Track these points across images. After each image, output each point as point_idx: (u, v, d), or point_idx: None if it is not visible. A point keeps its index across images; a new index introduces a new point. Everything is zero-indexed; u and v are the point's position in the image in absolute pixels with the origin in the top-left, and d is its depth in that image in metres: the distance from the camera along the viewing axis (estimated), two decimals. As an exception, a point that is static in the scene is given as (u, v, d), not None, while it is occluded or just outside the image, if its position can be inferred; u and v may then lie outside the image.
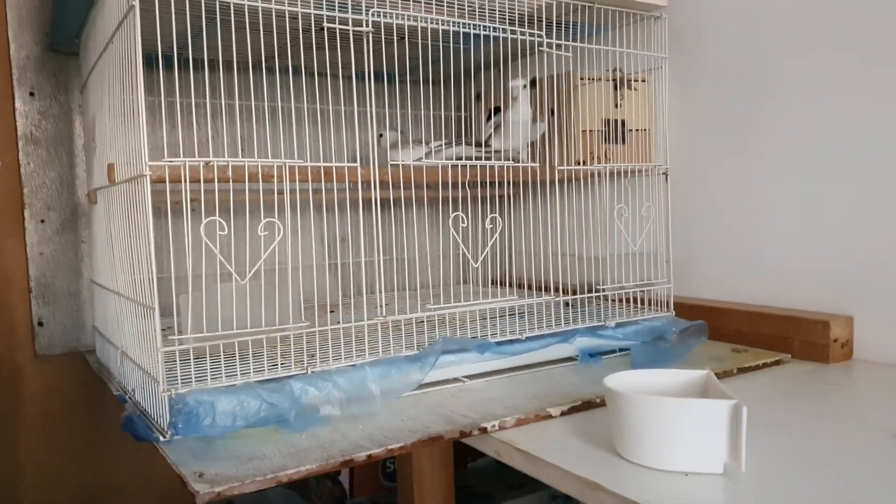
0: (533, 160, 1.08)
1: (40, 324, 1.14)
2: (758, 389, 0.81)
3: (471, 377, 0.84)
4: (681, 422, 0.56)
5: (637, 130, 1.11)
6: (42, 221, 1.14)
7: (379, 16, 0.77)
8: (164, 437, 0.65)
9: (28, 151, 1.12)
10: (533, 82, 1.13)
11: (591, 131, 1.08)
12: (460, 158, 1.00)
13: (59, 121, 1.15)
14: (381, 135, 1.15)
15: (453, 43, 0.88)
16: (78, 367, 1.16)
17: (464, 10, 0.90)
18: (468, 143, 1.07)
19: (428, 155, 1.04)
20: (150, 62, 0.77)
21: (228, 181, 0.72)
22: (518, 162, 0.92)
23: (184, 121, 0.92)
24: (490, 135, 1.06)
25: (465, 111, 1.35)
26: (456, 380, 0.83)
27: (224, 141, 1.07)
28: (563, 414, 0.72)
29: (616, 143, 1.09)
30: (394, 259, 1.02)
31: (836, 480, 0.55)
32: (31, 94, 1.12)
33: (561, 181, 0.99)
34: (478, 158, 0.96)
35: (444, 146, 1.06)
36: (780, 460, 0.59)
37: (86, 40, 0.99)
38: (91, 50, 0.93)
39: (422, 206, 1.25)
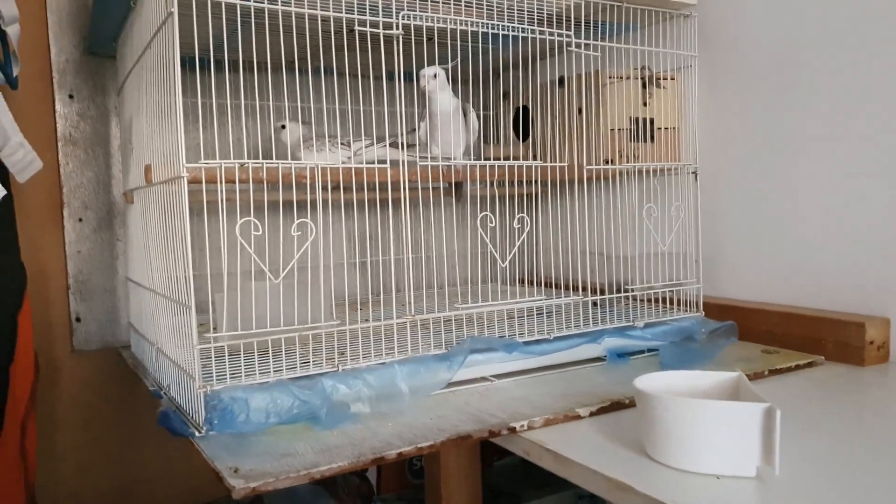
0: (561, 159, 1.08)
1: (77, 319, 1.17)
2: (790, 392, 0.80)
3: (498, 376, 0.84)
4: (713, 424, 0.56)
5: (665, 129, 1.11)
6: (80, 220, 1.17)
7: (409, 18, 0.77)
8: (200, 432, 0.66)
9: (67, 152, 1.15)
10: (561, 81, 1.12)
11: (618, 130, 1.07)
12: (383, 160, 0.97)
13: (96, 122, 1.17)
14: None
15: (481, 43, 0.88)
16: (113, 362, 1.19)
17: (492, 10, 0.90)
18: (392, 145, 1.01)
19: (350, 160, 0.99)
20: (183, 64, 0.79)
21: (262, 182, 0.73)
22: (450, 160, 0.88)
23: (216, 121, 0.94)
24: (423, 132, 1.00)
25: (493, 110, 1.35)
26: (483, 379, 0.83)
27: (256, 141, 1.09)
28: (591, 414, 0.72)
29: (644, 141, 1.09)
30: (421, 257, 1.03)
31: (871, 486, 0.55)
32: (71, 96, 1.15)
33: (589, 180, 0.98)
34: (396, 162, 0.91)
35: (364, 148, 1.00)
36: (815, 464, 0.59)
37: (123, 44, 1.01)
38: (128, 53, 0.95)
39: (449, 204, 1.26)
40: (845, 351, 0.91)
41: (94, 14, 0.95)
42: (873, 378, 0.85)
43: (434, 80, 0.93)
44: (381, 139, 1.02)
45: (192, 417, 0.69)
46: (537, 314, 0.96)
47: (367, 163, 0.96)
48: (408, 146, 1.02)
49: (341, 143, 0.99)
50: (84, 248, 1.17)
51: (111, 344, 1.19)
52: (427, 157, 0.97)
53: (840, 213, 0.96)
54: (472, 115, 1.02)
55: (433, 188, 0.88)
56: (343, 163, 0.86)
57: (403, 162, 0.78)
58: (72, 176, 1.16)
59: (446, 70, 0.94)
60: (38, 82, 1.13)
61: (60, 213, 1.15)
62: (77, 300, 1.17)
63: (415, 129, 0.96)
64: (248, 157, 0.71)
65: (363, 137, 1.01)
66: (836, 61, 0.95)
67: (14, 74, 0.93)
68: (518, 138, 1.28)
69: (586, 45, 0.91)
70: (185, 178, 0.66)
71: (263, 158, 0.71)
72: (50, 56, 1.13)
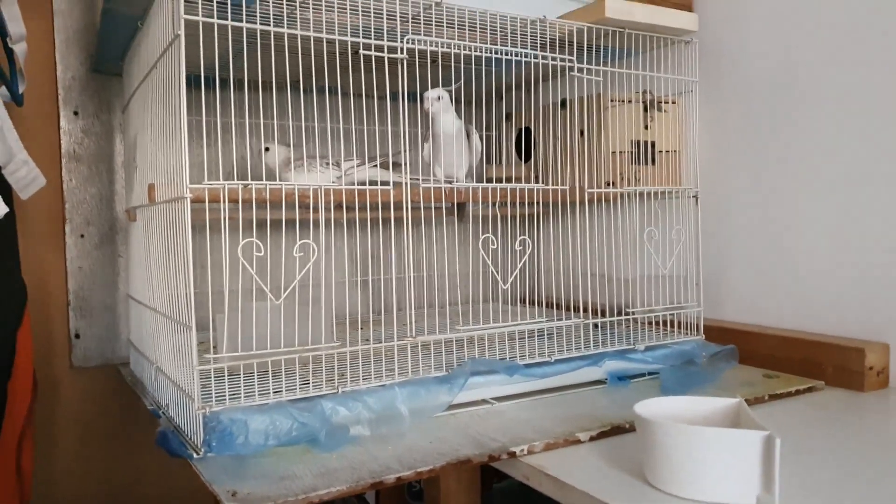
0: (562, 181, 1.08)
1: (77, 336, 1.17)
2: (791, 417, 0.80)
3: (498, 399, 0.84)
4: (712, 452, 0.56)
5: (667, 152, 1.11)
6: (82, 236, 1.17)
7: (413, 43, 0.78)
8: (198, 454, 0.66)
9: (70, 168, 1.16)
10: (563, 103, 1.13)
11: (620, 152, 1.08)
12: (374, 180, 0.97)
13: (100, 139, 1.18)
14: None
15: (485, 66, 0.89)
16: (112, 379, 1.18)
17: (496, 34, 0.91)
18: (382, 165, 1.01)
19: (340, 180, 0.99)
20: (189, 82, 0.79)
21: (266, 203, 0.74)
22: (453, 182, 0.88)
23: (220, 139, 0.95)
24: (426, 153, 1.00)
25: (495, 131, 1.36)
26: (484, 401, 0.83)
27: (255, 159, 1.10)
28: (592, 439, 0.72)
29: (645, 164, 1.09)
30: (423, 276, 1.03)
31: (872, 516, 0.54)
32: (76, 113, 1.16)
33: (590, 202, 0.99)
34: (396, 182, 0.91)
35: (354, 168, 1.00)
36: (814, 493, 0.58)
37: (129, 62, 1.02)
38: (134, 72, 0.96)
39: (451, 223, 1.26)
40: (845, 376, 0.90)
41: (102, 33, 0.96)
42: (873, 404, 0.85)
43: (438, 102, 0.94)
44: (371, 159, 1.02)
45: (191, 438, 0.69)
46: (538, 336, 0.96)
47: (357, 182, 0.98)
48: (396, 166, 1.03)
49: (330, 163, 1.00)
50: (85, 264, 1.17)
51: (110, 361, 1.19)
52: (419, 178, 0.97)
53: (841, 238, 0.96)
54: (475, 136, 1.02)
55: (435, 208, 0.88)
56: (333, 182, 0.86)
57: (407, 184, 0.79)
58: (74, 192, 1.16)
59: (450, 92, 0.95)
60: (44, 99, 1.14)
61: (62, 230, 1.16)
62: (77, 316, 1.17)
63: (401, 151, 0.96)
64: (245, 176, 0.72)
65: (355, 157, 1.01)
66: (837, 86, 0.96)
67: (20, 92, 0.94)
68: (520, 159, 1.29)
69: (588, 69, 0.92)
70: (189, 199, 0.67)
71: (255, 177, 0.71)
72: (56, 73, 1.14)
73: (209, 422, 0.67)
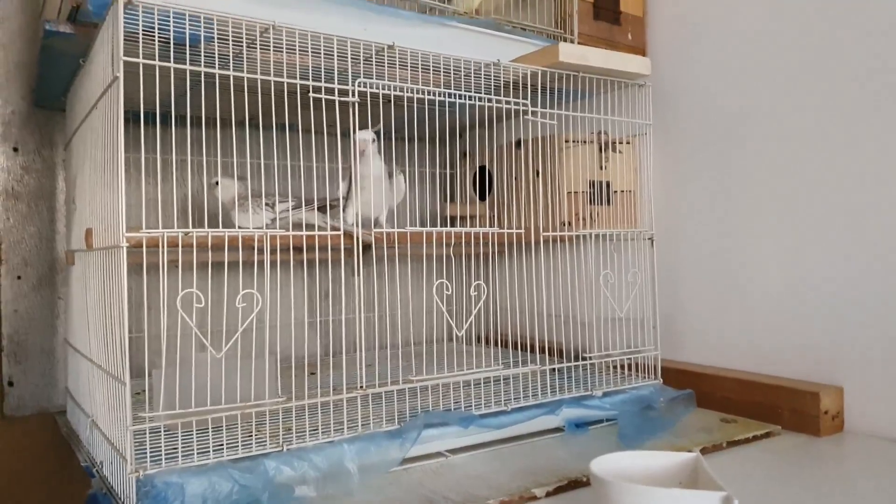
0: (518, 222, 1.07)
1: (10, 384, 1.10)
2: (749, 466, 0.79)
3: (453, 451, 0.81)
4: (669, 514, 0.54)
5: (622, 192, 1.12)
6: (18, 277, 1.11)
7: (365, 86, 0.77)
8: (130, 520, 0.62)
9: (8, 206, 1.10)
10: (518, 144, 1.13)
11: (576, 193, 1.08)
12: (299, 223, 0.94)
13: (41, 175, 1.13)
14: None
15: (439, 107, 0.88)
16: (48, 429, 1.11)
17: (449, 76, 0.90)
18: (310, 208, 0.97)
19: (274, 222, 0.97)
20: (138, 119, 0.76)
21: (208, 248, 0.71)
22: (373, 229, 0.86)
23: (170, 177, 0.92)
24: (346, 194, 0.96)
25: (452, 168, 1.35)
26: (438, 454, 0.80)
27: (201, 199, 1.06)
28: (548, 495, 0.69)
29: (601, 204, 1.09)
30: (376, 316, 1.00)
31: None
32: (15, 149, 1.11)
33: (546, 242, 0.98)
34: (321, 227, 0.89)
35: (290, 210, 0.98)
36: (773, 553, 0.57)
37: (72, 98, 0.98)
38: (77, 109, 0.92)
39: (405, 263, 1.24)
40: (801, 420, 0.90)
41: (41, 69, 0.93)
42: (828, 450, 0.84)
43: (372, 144, 0.92)
44: (308, 202, 0.99)
45: (123, 502, 0.64)
46: (494, 381, 0.94)
47: (293, 224, 0.95)
48: (330, 208, 1.00)
49: (266, 205, 0.96)
50: (21, 307, 1.11)
51: (47, 409, 1.12)
52: (343, 222, 0.93)
53: (795, 281, 0.97)
54: (400, 177, 1.01)
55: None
56: (268, 224, 0.84)
57: (359, 233, 0.76)
58: (12, 231, 1.11)
59: (378, 133, 0.93)
60: (-18, 135, 1.09)
61: (-3, 271, 1.10)
62: (11, 363, 1.10)
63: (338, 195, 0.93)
64: (189, 215, 0.69)
65: (289, 198, 0.99)
66: (787, 128, 0.97)
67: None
68: (478, 197, 1.28)
69: (543, 113, 0.91)
70: (125, 249, 0.63)
71: (207, 214, 0.68)
72: (-6, 108, 1.09)
73: (142, 486, 0.62)
